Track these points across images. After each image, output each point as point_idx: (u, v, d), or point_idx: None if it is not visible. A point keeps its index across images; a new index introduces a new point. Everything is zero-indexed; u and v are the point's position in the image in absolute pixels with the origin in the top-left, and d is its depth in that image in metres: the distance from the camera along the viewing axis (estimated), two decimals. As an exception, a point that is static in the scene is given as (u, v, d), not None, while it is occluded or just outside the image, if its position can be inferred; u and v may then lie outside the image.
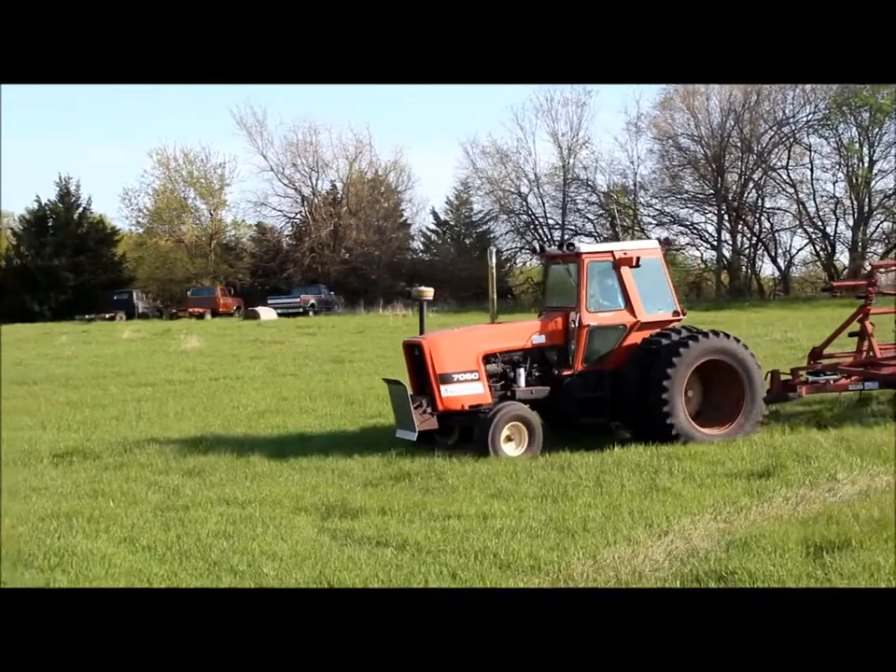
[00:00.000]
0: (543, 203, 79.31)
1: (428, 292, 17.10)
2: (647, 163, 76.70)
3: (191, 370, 29.95)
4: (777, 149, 72.21)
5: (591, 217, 79.26)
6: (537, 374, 16.28)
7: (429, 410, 15.52)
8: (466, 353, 15.81)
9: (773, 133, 71.53)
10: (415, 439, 15.31)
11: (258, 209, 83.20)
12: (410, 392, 15.69)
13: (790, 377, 17.65)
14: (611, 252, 16.34)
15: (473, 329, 17.44)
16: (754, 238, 74.99)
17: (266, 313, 61.38)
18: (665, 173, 75.81)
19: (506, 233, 79.77)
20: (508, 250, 78.82)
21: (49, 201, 78.54)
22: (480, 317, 47.51)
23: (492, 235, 79.66)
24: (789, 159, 72.05)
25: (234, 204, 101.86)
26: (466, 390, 15.64)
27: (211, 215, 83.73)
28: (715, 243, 74.70)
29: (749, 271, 75.55)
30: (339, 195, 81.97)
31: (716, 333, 15.91)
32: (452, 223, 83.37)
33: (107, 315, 65.39)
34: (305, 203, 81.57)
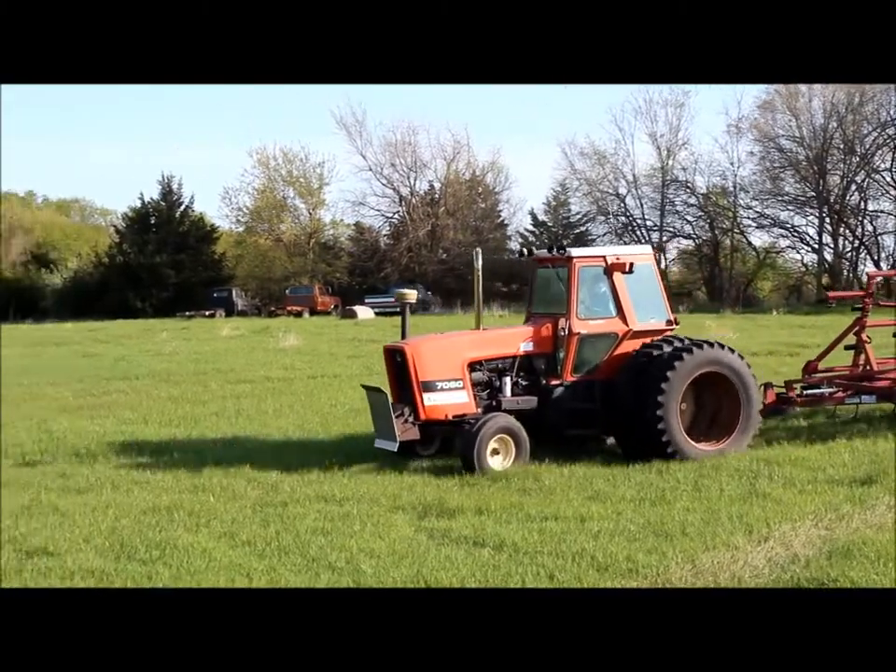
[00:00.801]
0: (641, 205, 79.02)
1: (411, 295, 16.40)
2: (747, 165, 75.73)
3: (289, 367, 30.19)
4: (880, 151, 71.14)
5: (690, 218, 78.74)
6: (524, 383, 15.56)
7: (411, 419, 14.79)
8: (450, 360, 15.13)
9: (877, 134, 70.42)
10: (396, 449, 14.61)
11: (356, 208, 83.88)
12: (391, 400, 14.91)
13: (783, 390, 17.10)
14: (603, 257, 15.65)
15: (458, 334, 16.72)
16: (856, 241, 73.88)
17: (363, 311, 61.67)
18: (766, 174, 75.00)
19: (603, 235, 79.59)
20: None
21: (151, 199, 79.83)
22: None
23: (590, 237, 79.45)
24: (893, 161, 70.84)
25: (333, 204, 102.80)
26: (450, 399, 14.94)
27: (310, 214, 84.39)
28: (816, 246, 73.77)
29: (851, 274, 74.37)
30: (436, 195, 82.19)
31: (711, 344, 15.22)
32: (549, 224, 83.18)
33: (207, 313, 66.12)
34: (403, 202, 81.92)
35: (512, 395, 15.37)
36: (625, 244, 78.41)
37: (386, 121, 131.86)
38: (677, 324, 15.91)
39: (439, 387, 14.90)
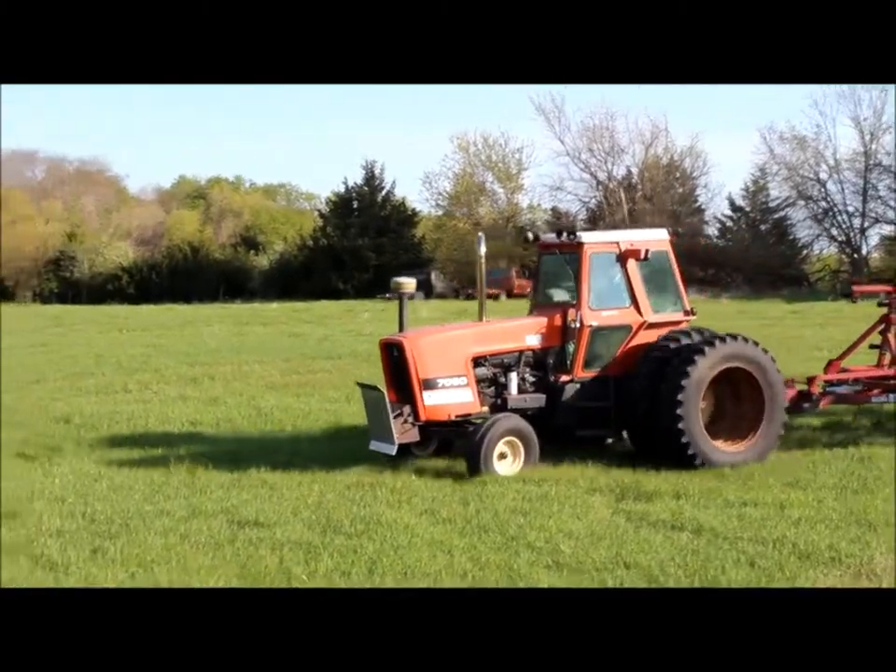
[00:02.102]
0: (843, 190, 76.64)
1: (409, 284, 15.06)
2: (958, 149, 72.94)
3: (487, 350, 30.32)
4: None
5: (893, 204, 76.22)
6: (531, 380, 14.49)
7: (410, 419, 13.74)
8: (453, 355, 14.04)
9: None
10: (394, 452, 13.60)
11: (553, 193, 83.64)
12: (388, 399, 13.73)
13: (805, 387, 15.63)
14: (616, 243, 14.58)
15: (460, 326, 15.85)
16: None
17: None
18: (978, 158, 72.07)
19: (803, 220, 77.72)
20: (805, 236, 77.38)
21: (355, 184, 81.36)
22: (774, 305, 46.60)
23: (789, 222, 77.86)
24: None
25: (531, 188, 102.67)
26: (452, 398, 13.86)
27: (508, 198, 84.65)
28: None
29: None
30: (634, 180, 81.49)
31: (733, 337, 14.11)
32: (747, 209, 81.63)
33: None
34: (600, 187, 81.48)
35: (519, 392, 14.35)
36: (825, 229, 76.57)
37: (584, 107, 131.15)
38: (694, 314, 14.90)
39: (440, 385, 13.85)
